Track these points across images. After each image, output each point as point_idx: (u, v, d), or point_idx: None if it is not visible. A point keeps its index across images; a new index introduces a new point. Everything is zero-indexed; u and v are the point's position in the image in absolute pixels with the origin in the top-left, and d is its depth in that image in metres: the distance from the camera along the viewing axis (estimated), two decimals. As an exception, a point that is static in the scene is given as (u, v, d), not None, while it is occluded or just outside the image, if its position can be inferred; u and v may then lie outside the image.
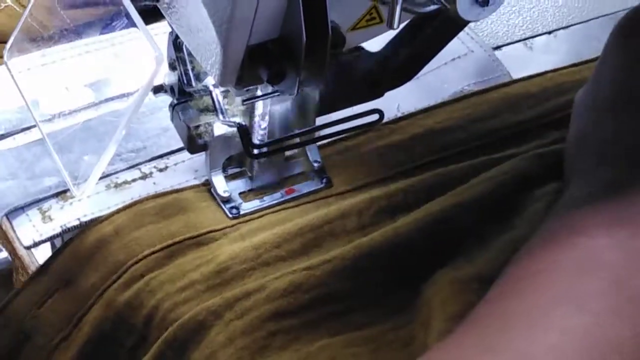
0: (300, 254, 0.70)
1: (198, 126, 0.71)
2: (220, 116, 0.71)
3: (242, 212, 0.73)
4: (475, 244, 0.68)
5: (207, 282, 0.68)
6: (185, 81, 0.71)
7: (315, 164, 0.75)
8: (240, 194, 0.74)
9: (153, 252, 0.70)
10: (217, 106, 0.70)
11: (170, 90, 0.72)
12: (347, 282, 0.68)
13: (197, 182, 0.75)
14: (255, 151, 0.71)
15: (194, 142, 0.71)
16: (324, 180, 0.75)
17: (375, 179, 0.75)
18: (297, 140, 0.73)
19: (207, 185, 0.74)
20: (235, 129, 0.71)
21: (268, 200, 0.74)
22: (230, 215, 0.73)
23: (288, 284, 0.67)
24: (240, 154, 0.74)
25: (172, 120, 0.73)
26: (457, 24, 0.72)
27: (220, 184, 0.73)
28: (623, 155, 0.64)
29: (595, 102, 0.68)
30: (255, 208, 0.73)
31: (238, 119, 0.71)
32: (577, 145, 0.68)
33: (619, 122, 0.66)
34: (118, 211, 0.73)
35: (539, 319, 0.58)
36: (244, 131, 0.70)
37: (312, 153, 0.75)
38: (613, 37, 0.69)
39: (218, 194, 0.73)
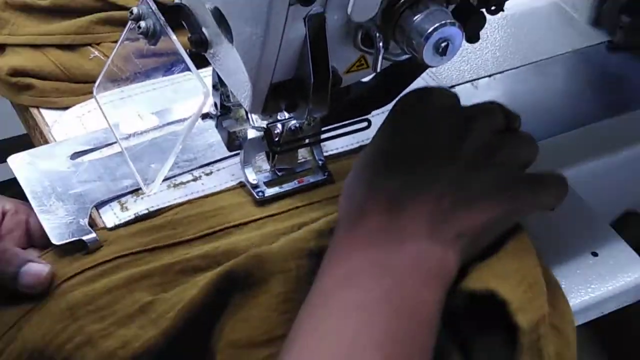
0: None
1: (235, 132, 0.72)
2: (251, 123, 0.71)
3: (266, 195, 0.72)
4: None
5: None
6: (225, 98, 0.71)
7: (320, 162, 0.74)
8: (265, 182, 0.73)
9: (199, 237, 0.70)
10: (249, 116, 0.71)
11: (215, 105, 0.72)
12: None
13: (233, 183, 0.75)
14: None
15: (232, 143, 0.71)
16: (326, 174, 0.74)
17: None
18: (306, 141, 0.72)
19: (241, 186, 0.74)
20: (262, 133, 0.71)
21: (285, 187, 0.73)
22: (257, 197, 0.72)
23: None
24: (267, 154, 0.73)
25: (216, 127, 0.72)
26: (421, 69, 0.72)
27: (251, 174, 0.73)
28: (380, 203, 0.62)
29: (370, 157, 0.66)
30: (276, 192, 0.73)
31: (263, 125, 0.70)
32: (350, 190, 0.65)
33: (381, 176, 0.63)
34: (177, 204, 0.73)
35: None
36: (269, 134, 0.70)
37: (317, 153, 0.74)
38: (393, 108, 0.67)
39: (249, 182, 0.73)
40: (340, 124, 0.72)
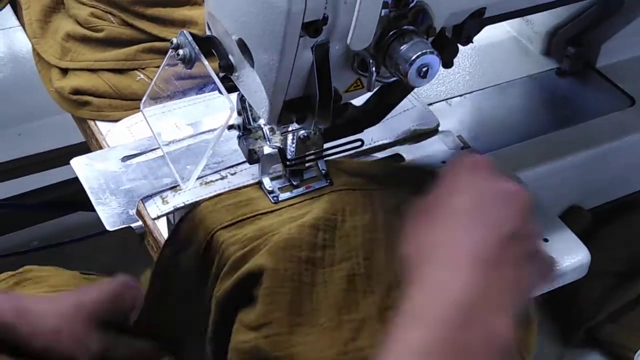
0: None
1: (254, 148, 0.71)
2: (268, 142, 0.70)
3: (280, 199, 0.71)
4: None
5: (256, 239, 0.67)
6: (247, 121, 0.70)
7: (323, 171, 0.73)
8: (279, 188, 0.72)
9: (226, 226, 0.69)
10: (266, 136, 0.70)
11: (238, 127, 0.71)
12: None
13: (253, 181, 0.73)
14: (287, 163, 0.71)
15: (252, 157, 0.71)
16: (328, 181, 0.73)
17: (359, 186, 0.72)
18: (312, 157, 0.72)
19: (259, 183, 0.73)
20: (276, 150, 0.71)
21: (295, 192, 0.72)
22: (273, 201, 0.71)
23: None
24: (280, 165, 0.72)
25: (239, 145, 0.72)
26: (406, 89, 0.73)
27: (267, 182, 0.72)
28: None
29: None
30: (288, 197, 0.72)
31: (278, 144, 0.71)
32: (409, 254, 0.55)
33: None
34: (207, 199, 0.71)
35: None
36: (282, 152, 0.70)
37: (320, 164, 0.73)
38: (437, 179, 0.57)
39: (265, 188, 0.72)
40: (338, 142, 0.72)
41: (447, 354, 0.49)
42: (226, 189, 0.73)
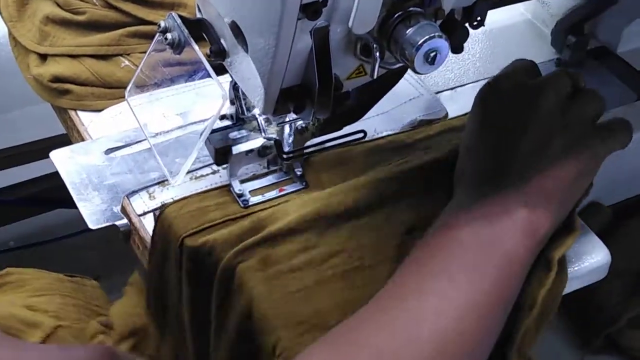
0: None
1: (223, 147, 0.69)
2: (263, 134, 0.69)
3: (250, 204, 0.70)
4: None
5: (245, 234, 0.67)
6: (240, 111, 0.70)
7: (298, 172, 0.72)
8: (249, 191, 0.71)
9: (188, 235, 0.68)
10: (261, 127, 0.69)
11: (230, 117, 0.71)
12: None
13: (246, 177, 0.72)
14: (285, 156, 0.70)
15: (219, 158, 0.69)
16: (304, 183, 0.72)
17: (336, 182, 0.72)
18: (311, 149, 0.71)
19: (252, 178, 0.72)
20: (246, 150, 0.69)
21: (267, 196, 0.71)
22: (242, 206, 0.70)
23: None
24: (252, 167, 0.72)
25: (205, 143, 0.69)
26: (400, 73, 0.70)
27: (237, 185, 0.71)
28: (481, 179, 0.64)
29: (467, 140, 0.67)
30: (259, 201, 0.71)
31: (274, 136, 0.70)
32: (458, 168, 0.67)
33: (479, 154, 0.65)
34: (193, 195, 0.71)
35: (424, 289, 0.58)
36: (279, 143, 0.69)
37: (296, 165, 0.72)
38: (476, 98, 0.68)
39: (234, 192, 0.71)
40: (339, 134, 0.72)
41: None
42: (218, 184, 0.73)
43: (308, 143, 0.72)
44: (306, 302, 0.63)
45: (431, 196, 0.69)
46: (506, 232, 0.60)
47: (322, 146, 0.72)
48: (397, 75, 0.70)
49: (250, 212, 0.70)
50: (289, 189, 0.72)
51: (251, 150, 0.70)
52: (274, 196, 0.71)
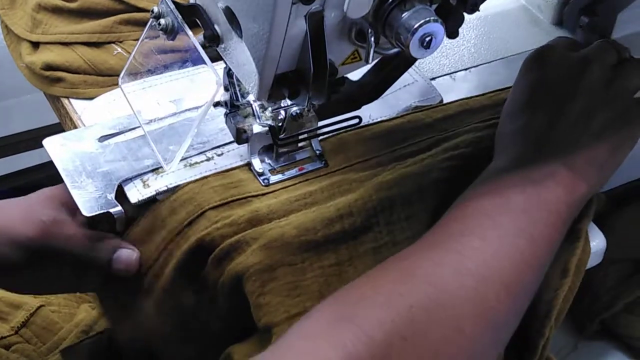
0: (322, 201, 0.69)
1: (243, 127, 0.70)
2: (257, 120, 0.70)
3: (270, 182, 0.72)
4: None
5: (246, 222, 0.67)
6: (234, 98, 0.70)
7: (317, 151, 0.74)
8: (269, 170, 0.72)
9: (213, 207, 0.69)
10: (255, 114, 0.70)
11: (225, 104, 0.70)
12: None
13: (242, 163, 0.74)
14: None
15: (240, 137, 0.70)
16: (323, 162, 0.73)
17: (357, 160, 0.73)
18: (305, 135, 0.71)
19: (248, 165, 0.73)
20: (267, 129, 0.70)
21: (287, 174, 0.72)
22: (263, 184, 0.71)
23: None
24: (270, 145, 0.72)
25: (226, 123, 0.71)
26: (408, 62, 0.72)
27: (257, 163, 0.72)
28: (525, 140, 0.65)
29: (511, 107, 0.69)
30: (279, 179, 0.72)
31: (269, 122, 0.70)
32: (501, 133, 0.68)
33: (523, 119, 0.67)
34: (192, 182, 0.71)
35: (450, 244, 0.58)
36: (274, 130, 0.70)
37: (315, 144, 0.74)
38: (521, 68, 0.70)
39: (255, 170, 0.72)
40: (334, 119, 0.72)
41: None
42: (212, 171, 0.73)
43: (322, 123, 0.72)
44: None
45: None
46: (549, 188, 0.61)
47: (317, 132, 0.72)
48: (405, 64, 0.71)
49: (272, 190, 0.71)
50: (308, 167, 0.73)
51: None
52: (293, 174, 0.72)
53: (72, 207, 0.69)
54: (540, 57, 0.69)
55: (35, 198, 0.70)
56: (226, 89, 0.70)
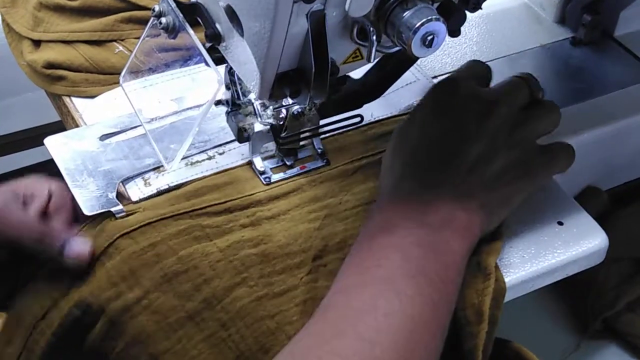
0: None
1: (244, 126, 0.70)
2: (259, 119, 0.70)
3: (272, 180, 0.72)
4: None
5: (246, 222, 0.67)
6: (236, 96, 0.70)
7: (319, 150, 0.74)
8: (271, 169, 0.73)
9: (212, 205, 0.68)
10: (257, 112, 0.70)
11: (226, 102, 0.71)
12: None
13: (243, 162, 0.74)
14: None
15: (242, 136, 0.70)
16: (325, 161, 0.73)
17: (359, 157, 0.73)
18: (307, 134, 0.71)
19: (249, 164, 0.73)
20: (269, 127, 0.71)
21: (289, 173, 0.72)
22: (264, 183, 0.71)
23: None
24: (272, 144, 0.72)
25: (227, 122, 0.71)
26: (410, 61, 0.72)
27: (259, 162, 0.72)
28: (420, 180, 0.63)
29: (396, 136, 0.67)
30: (281, 178, 0.72)
31: (271, 121, 0.70)
32: (387, 168, 0.66)
33: (407, 155, 0.64)
34: (192, 181, 0.71)
35: (369, 306, 0.56)
36: (275, 129, 0.70)
37: (317, 143, 0.74)
38: (425, 98, 0.66)
39: (257, 169, 0.72)
40: (336, 118, 0.72)
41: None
42: (213, 170, 0.73)
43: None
44: None
45: None
46: (445, 237, 0.60)
47: (318, 131, 0.72)
48: (407, 63, 0.71)
49: (273, 187, 0.71)
50: (310, 166, 0.73)
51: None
52: (295, 173, 0.72)
53: (28, 198, 0.67)
54: (449, 93, 0.65)
55: None
56: (227, 88, 0.70)
